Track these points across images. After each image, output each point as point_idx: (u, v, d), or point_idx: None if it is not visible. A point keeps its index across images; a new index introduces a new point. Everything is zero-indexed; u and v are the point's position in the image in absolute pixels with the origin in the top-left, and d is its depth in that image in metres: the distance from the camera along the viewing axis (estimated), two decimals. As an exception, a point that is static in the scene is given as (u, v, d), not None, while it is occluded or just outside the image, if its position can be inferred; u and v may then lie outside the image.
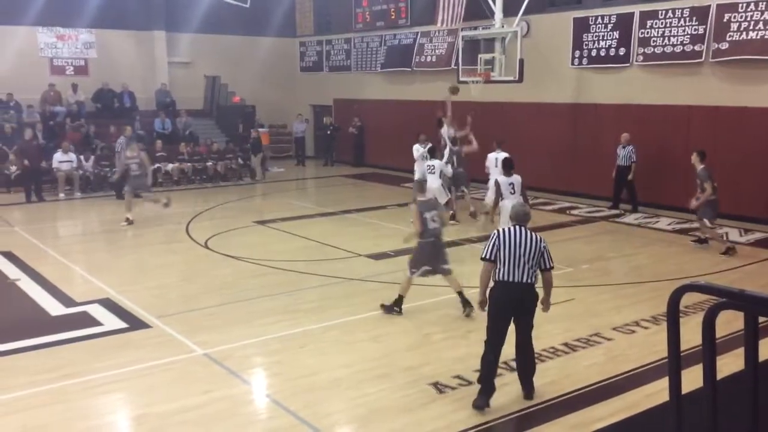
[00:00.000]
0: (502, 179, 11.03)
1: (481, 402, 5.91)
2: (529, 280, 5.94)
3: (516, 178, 11.04)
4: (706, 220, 11.65)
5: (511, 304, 5.97)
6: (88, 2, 21.68)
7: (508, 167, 11.14)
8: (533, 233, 6.10)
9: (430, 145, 14.94)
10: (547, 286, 6.18)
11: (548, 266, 6.08)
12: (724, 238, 11.94)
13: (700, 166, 11.64)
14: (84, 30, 22.34)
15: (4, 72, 20.65)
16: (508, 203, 10.40)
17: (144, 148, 16.02)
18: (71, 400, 6.25)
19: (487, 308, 6.15)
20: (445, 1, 19.14)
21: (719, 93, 14.36)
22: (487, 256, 6.02)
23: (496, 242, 6.00)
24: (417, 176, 14.79)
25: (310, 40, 26.05)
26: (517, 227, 6.10)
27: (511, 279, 5.91)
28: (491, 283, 6.11)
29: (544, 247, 6.04)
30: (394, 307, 8.49)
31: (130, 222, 14.24)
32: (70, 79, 21.98)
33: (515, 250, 5.93)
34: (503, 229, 6.07)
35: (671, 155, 15.19)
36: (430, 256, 8.37)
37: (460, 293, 8.46)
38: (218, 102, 24.28)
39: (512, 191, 10.92)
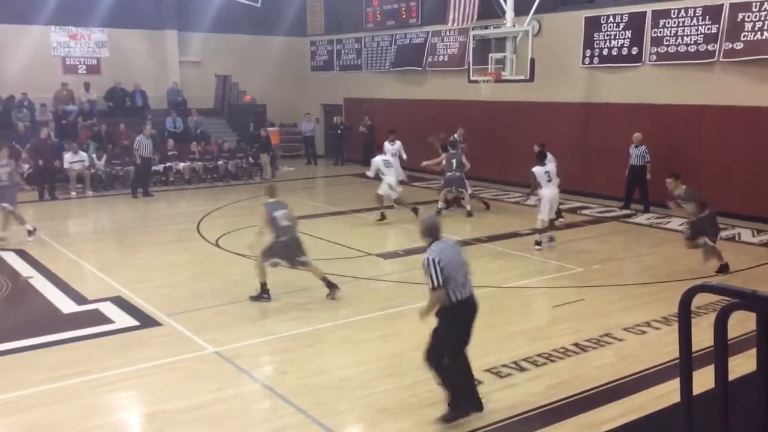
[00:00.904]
0: (537, 169, 11.54)
1: (479, 406, 5.79)
2: (471, 289, 5.72)
3: (551, 166, 11.70)
4: (706, 239, 10.06)
5: (471, 318, 5.70)
6: (101, 2, 21.79)
7: (541, 158, 11.74)
8: (449, 240, 5.92)
9: (397, 143, 16.69)
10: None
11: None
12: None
13: (681, 188, 10.36)
14: (96, 29, 22.45)
15: (18, 71, 20.83)
16: (546, 191, 11.45)
17: (18, 155, 15.30)
18: (82, 397, 6.28)
19: (446, 332, 5.62)
20: (456, 1, 19.11)
21: (733, 92, 14.24)
22: (442, 284, 5.45)
23: (442, 265, 5.45)
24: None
25: (320, 40, 26.08)
26: (441, 242, 5.66)
27: (465, 296, 5.60)
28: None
29: (461, 246, 5.95)
30: (262, 295, 8.90)
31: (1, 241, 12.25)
32: (82, 78, 22.12)
33: (455, 265, 5.55)
34: (438, 250, 5.51)
35: (684, 155, 15.08)
36: (283, 251, 8.84)
37: (323, 279, 9.03)
38: (229, 101, 24.37)
39: (549, 179, 11.55)
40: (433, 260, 5.44)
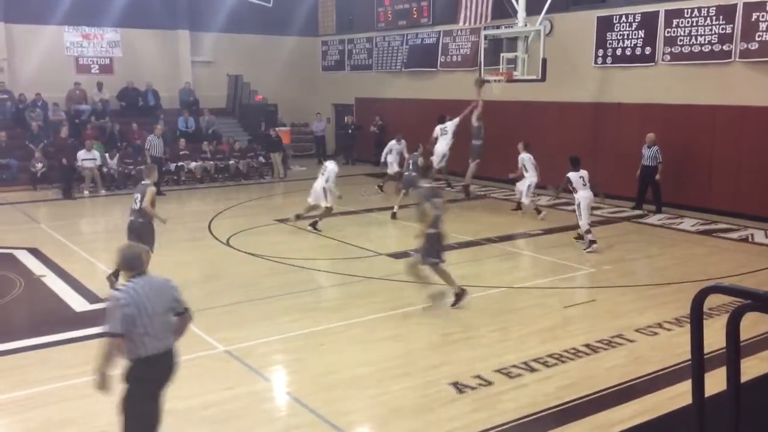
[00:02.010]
0: (573, 174, 11.84)
1: None
2: (173, 341, 4.68)
3: (584, 172, 11.94)
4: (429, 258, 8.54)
5: (164, 380, 4.69)
6: (114, 2, 21.91)
7: (576, 163, 11.95)
8: (158, 278, 4.78)
9: (403, 142, 17.67)
10: (180, 331, 4.80)
11: (183, 309, 4.77)
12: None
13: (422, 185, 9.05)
14: (109, 29, 22.58)
15: (32, 71, 21.02)
16: (583, 194, 11.76)
17: None
18: (94, 394, 6.28)
19: (127, 401, 4.56)
20: (467, 1, 19.09)
21: (746, 93, 14.13)
22: (119, 331, 4.39)
23: (130, 310, 4.39)
24: (389, 170, 17.50)
25: (332, 39, 26.11)
26: (141, 279, 4.58)
27: (157, 351, 4.54)
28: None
29: (174, 287, 4.75)
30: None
31: None
32: (95, 77, 22.25)
33: (152, 311, 4.48)
34: (130, 289, 4.49)
35: (696, 155, 15.01)
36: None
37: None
38: (241, 101, 24.44)
39: (584, 183, 11.85)
40: (118, 299, 4.44)
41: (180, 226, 14.31)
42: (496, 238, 12.72)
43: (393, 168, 17.60)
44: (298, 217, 13.44)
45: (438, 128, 17.16)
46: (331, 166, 13.43)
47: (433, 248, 8.53)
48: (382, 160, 18.00)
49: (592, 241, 11.71)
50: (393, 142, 17.96)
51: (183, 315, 4.76)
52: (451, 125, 16.82)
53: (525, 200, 14.54)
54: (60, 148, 17.91)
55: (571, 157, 12.20)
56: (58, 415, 5.92)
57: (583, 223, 11.84)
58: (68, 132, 18.82)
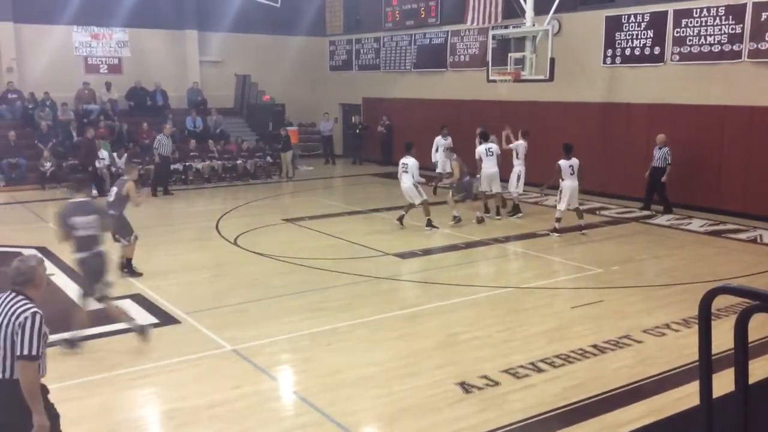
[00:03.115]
0: (563, 162, 12.48)
1: None
2: (8, 375, 3.98)
3: (575, 161, 12.54)
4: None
5: None
6: (123, 2, 22.01)
7: (568, 151, 12.53)
8: (15, 303, 4.04)
9: (449, 138, 16.75)
10: (23, 385, 3.93)
11: (22, 353, 3.91)
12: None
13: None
14: (118, 29, 22.69)
15: (41, 70, 21.14)
16: (568, 183, 12.45)
17: None
18: (103, 393, 6.35)
19: None
20: (475, 0, 19.08)
21: (756, 93, 14.07)
22: None
23: None
24: (439, 168, 16.73)
25: (339, 39, 26.15)
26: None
27: None
28: None
29: (21, 323, 3.94)
30: None
31: None
32: (104, 77, 22.35)
33: None
34: None
35: (705, 156, 14.95)
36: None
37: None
38: (248, 101, 24.50)
39: (572, 172, 12.47)
40: None
41: (188, 226, 14.38)
42: (503, 238, 12.71)
43: (445, 168, 16.11)
44: (401, 218, 13.51)
45: (483, 148, 14.27)
46: (411, 162, 13.27)
47: (87, 277, 7.45)
48: (433, 160, 16.93)
49: (556, 230, 12.67)
50: (439, 137, 16.92)
51: (20, 359, 3.92)
52: (496, 147, 14.30)
53: (515, 191, 14.43)
54: (86, 149, 17.91)
55: (564, 144, 12.59)
56: (69, 413, 5.91)
57: (561, 207, 12.56)
58: (73, 132, 18.87)
